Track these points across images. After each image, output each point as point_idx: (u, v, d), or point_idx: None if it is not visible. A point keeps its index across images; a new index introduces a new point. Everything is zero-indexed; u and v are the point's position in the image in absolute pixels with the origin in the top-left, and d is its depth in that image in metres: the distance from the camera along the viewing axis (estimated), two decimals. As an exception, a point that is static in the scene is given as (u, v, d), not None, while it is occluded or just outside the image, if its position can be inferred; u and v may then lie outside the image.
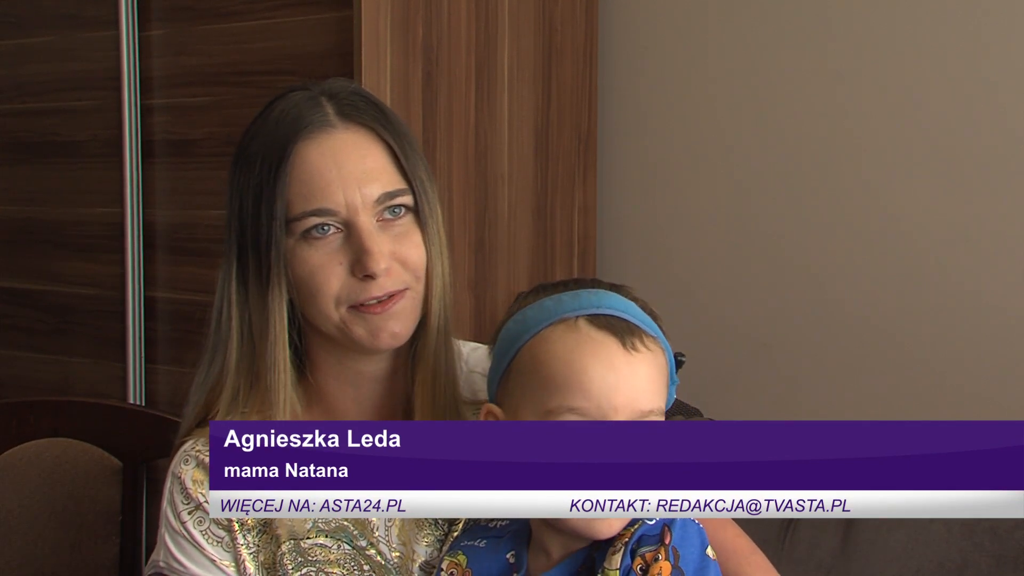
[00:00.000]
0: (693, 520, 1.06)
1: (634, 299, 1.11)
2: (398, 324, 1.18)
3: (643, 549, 1.03)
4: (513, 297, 2.31)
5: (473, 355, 1.31)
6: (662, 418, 1.07)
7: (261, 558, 1.18)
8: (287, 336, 1.18)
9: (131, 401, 2.19)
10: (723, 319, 2.29)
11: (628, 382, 1.04)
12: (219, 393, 1.22)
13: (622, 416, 1.04)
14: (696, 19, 2.33)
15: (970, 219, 2.06)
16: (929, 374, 2.10)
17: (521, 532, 1.14)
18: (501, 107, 2.19)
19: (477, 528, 1.19)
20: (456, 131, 2.09)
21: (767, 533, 1.71)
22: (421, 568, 1.19)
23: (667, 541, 1.02)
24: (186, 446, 1.22)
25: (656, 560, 1.01)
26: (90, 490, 1.72)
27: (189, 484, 1.20)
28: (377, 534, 1.20)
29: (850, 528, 1.70)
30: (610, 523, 1.05)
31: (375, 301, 1.16)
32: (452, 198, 2.08)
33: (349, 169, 1.16)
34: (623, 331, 1.06)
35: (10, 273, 2.40)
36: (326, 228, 1.15)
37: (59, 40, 2.28)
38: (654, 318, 1.11)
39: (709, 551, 1.07)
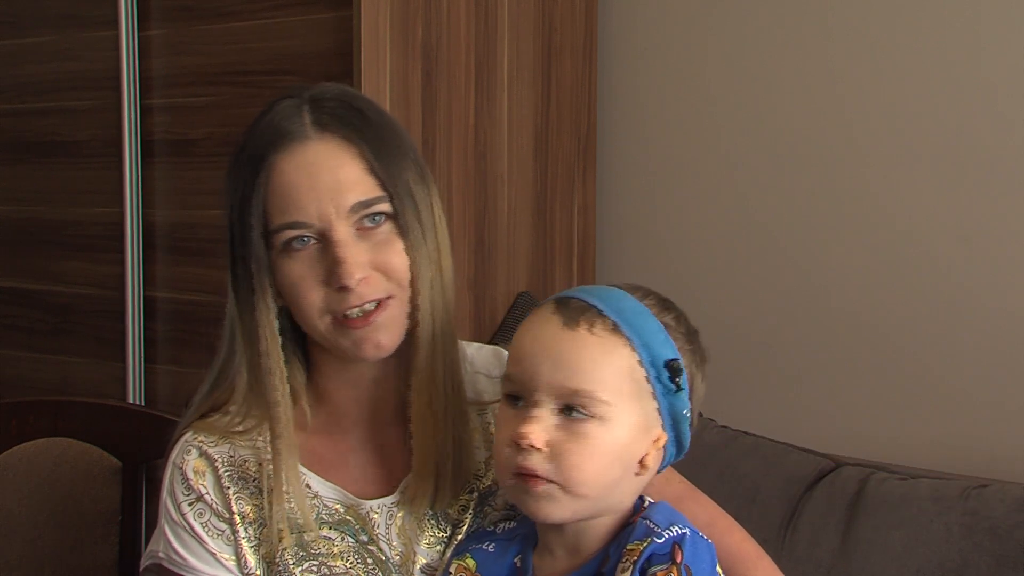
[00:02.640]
0: (703, 536, 1.06)
1: (658, 303, 1.10)
2: (383, 335, 1.17)
3: (654, 568, 1.01)
4: (513, 297, 2.33)
5: (478, 356, 1.30)
6: (609, 405, 1.04)
7: (262, 551, 1.18)
8: (280, 345, 1.18)
9: (131, 401, 2.19)
10: (722, 319, 2.29)
11: (556, 356, 1.04)
12: (227, 397, 1.22)
13: (544, 388, 1.04)
14: (696, 19, 2.33)
15: (970, 219, 2.06)
16: (929, 374, 2.10)
17: (529, 536, 1.14)
18: (501, 107, 2.19)
19: (483, 533, 1.19)
20: (456, 131, 2.09)
21: (767, 532, 1.71)
22: (422, 571, 1.19)
23: (678, 560, 1.01)
24: (187, 436, 1.22)
25: None
26: (90, 490, 1.72)
27: (190, 474, 1.19)
28: (378, 531, 1.19)
29: (850, 528, 1.70)
30: (538, 504, 1.04)
31: (357, 313, 1.15)
32: (452, 198, 2.08)
33: (323, 180, 1.15)
34: (571, 312, 1.06)
35: (10, 273, 2.40)
36: (305, 240, 1.15)
37: (59, 40, 2.28)
38: (674, 327, 1.08)
39: (718, 568, 1.07)
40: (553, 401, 1.04)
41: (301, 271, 1.15)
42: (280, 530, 1.17)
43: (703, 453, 1.82)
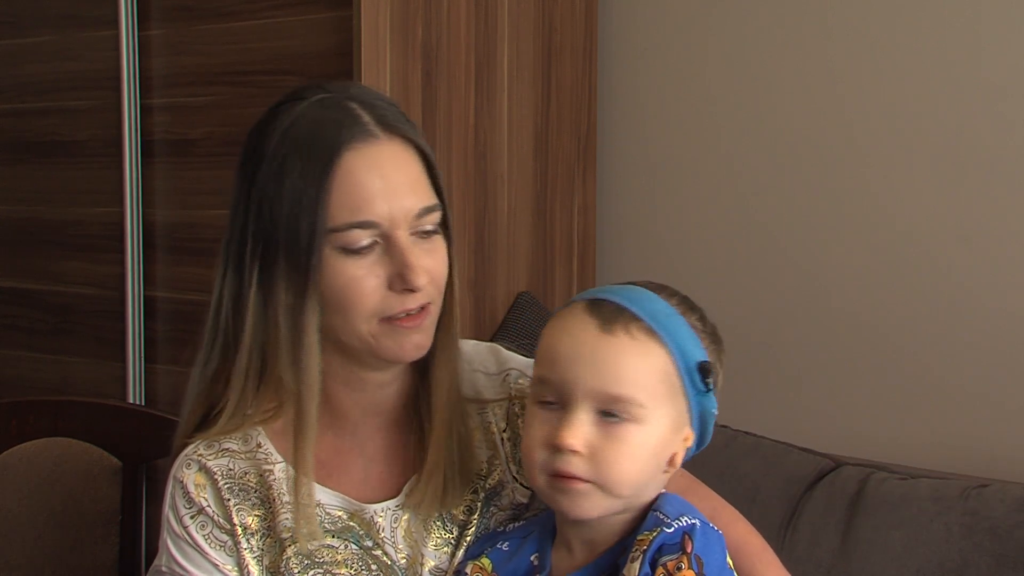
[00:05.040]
0: (713, 527, 1.06)
1: (681, 302, 1.11)
2: (425, 337, 1.17)
3: (665, 558, 1.02)
4: (513, 297, 2.32)
5: (475, 353, 1.30)
6: (647, 408, 1.05)
7: (266, 562, 1.18)
8: (319, 348, 1.16)
9: (131, 401, 2.19)
10: (723, 319, 2.28)
11: (592, 361, 1.04)
12: (219, 394, 1.21)
13: (582, 393, 1.04)
14: (696, 19, 2.33)
15: (970, 219, 2.06)
16: (929, 374, 2.10)
17: (545, 532, 1.14)
18: (501, 107, 2.19)
19: (495, 534, 1.19)
20: (456, 131, 2.09)
21: (767, 532, 1.71)
22: (431, 572, 1.19)
23: (689, 549, 1.02)
24: (187, 450, 1.22)
25: (679, 569, 1.01)
26: (90, 490, 1.72)
27: (191, 488, 1.19)
28: (383, 535, 1.19)
29: (850, 528, 1.70)
30: (573, 501, 1.05)
31: (405, 314, 1.15)
32: (452, 198, 2.08)
33: (393, 181, 1.13)
34: (607, 315, 1.06)
35: (10, 273, 2.40)
36: (365, 240, 1.13)
37: (59, 40, 2.28)
38: (700, 327, 1.10)
39: (728, 559, 1.07)
40: (591, 405, 1.04)
41: (358, 272, 1.13)
42: (283, 539, 1.17)
43: (703, 453, 1.82)
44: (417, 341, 1.16)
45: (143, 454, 1.72)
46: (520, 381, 1.26)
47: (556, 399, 1.06)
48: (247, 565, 1.17)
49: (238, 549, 1.18)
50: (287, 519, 1.17)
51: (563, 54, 2.32)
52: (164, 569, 1.20)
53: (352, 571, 1.17)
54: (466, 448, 1.22)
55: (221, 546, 1.18)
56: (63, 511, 1.72)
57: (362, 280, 1.13)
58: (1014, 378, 2.02)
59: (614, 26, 2.42)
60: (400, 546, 1.19)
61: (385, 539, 1.19)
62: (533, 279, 2.29)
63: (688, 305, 1.11)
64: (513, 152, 2.22)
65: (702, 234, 2.34)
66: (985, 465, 1.97)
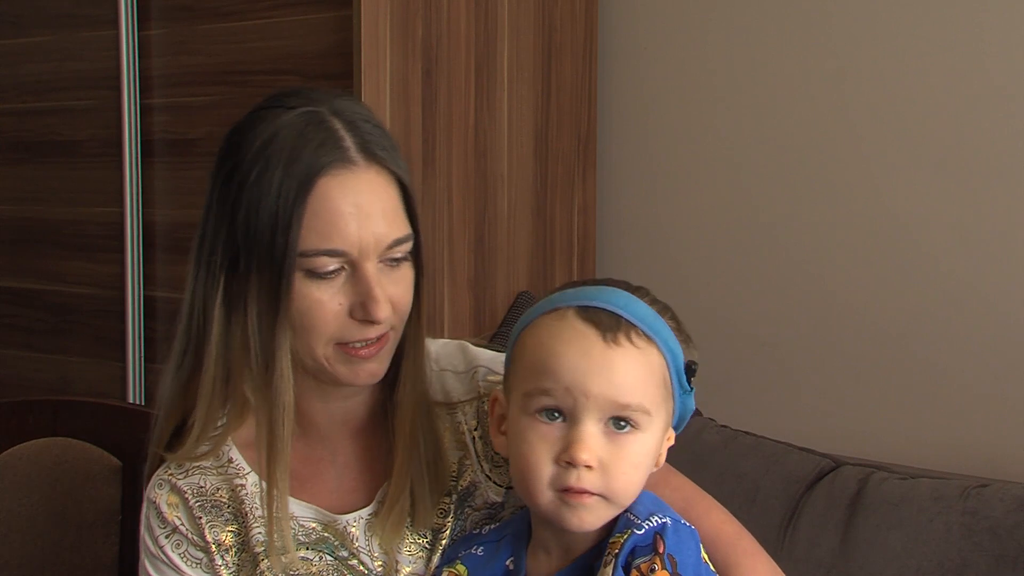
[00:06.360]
0: (685, 523, 1.06)
1: (653, 301, 1.09)
2: (379, 364, 1.17)
3: (638, 560, 1.01)
4: (513, 297, 2.32)
5: (443, 352, 1.28)
6: (652, 415, 1.04)
7: None
8: (291, 371, 1.15)
9: (131, 401, 2.19)
10: (723, 319, 2.29)
11: (602, 371, 1.03)
12: (192, 403, 1.20)
13: (593, 404, 1.02)
14: (696, 19, 2.33)
15: (971, 218, 2.06)
16: (929, 374, 2.10)
17: (519, 536, 1.13)
18: (501, 107, 2.19)
19: (469, 536, 1.18)
20: (456, 131, 2.09)
21: (767, 531, 1.71)
22: None
23: (661, 550, 1.01)
24: (159, 471, 1.22)
25: (653, 571, 1.00)
26: (90, 490, 1.71)
27: (164, 508, 1.20)
28: (357, 544, 1.19)
29: (850, 527, 1.70)
30: (580, 516, 1.04)
31: (363, 344, 1.14)
32: (452, 198, 2.08)
33: (367, 212, 1.13)
34: (607, 324, 1.05)
35: (10, 273, 2.40)
36: (333, 267, 1.13)
37: (59, 40, 2.28)
38: (675, 326, 1.09)
39: (703, 554, 1.06)
40: (599, 416, 1.03)
41: (322, 297, 1.13)
42: (257, 553, 1.17)
43: (703, 453, 1.82)
44: (371, 369, 1.16)
45: (143, 454, 1.72)
46: (489, 378, 1.24)
47: (562, 411, 1.04)
48: None
49: (213, 566, 1.18)
50: (260, 533, 1.17)
51: (563, 54, 2.32)
52: None
53: None
54: (437, 455, 1.21)
55: (197, 563, 1.19)
56: (63, 511, 1.71)
57: (325, 305, 1.13)
58: (1014, 378, 2.02)
59: (614, 26, 2.42)
60: (375, 554, 1.19)
61: (360, 548, 1.19)
62: (533, 279, 2.29)
63: (662, 305, 1.10)
64: (513, 152, 2.22)
65: (702, 234, 2.34)
66: (985, 465, 1.97)
